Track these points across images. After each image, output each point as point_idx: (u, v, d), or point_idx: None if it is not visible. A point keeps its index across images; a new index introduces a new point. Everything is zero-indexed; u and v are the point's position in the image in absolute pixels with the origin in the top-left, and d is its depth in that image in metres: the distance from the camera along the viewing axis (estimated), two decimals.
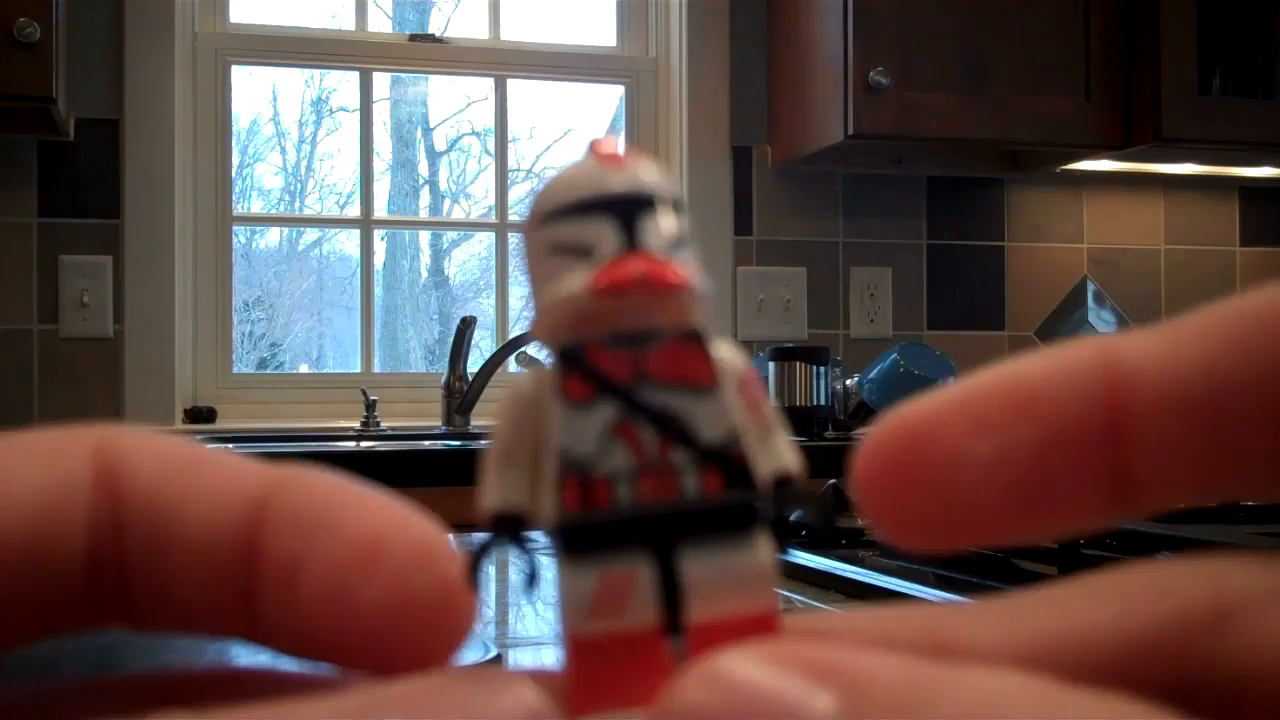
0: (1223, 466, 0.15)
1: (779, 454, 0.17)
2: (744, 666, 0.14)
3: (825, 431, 2.05)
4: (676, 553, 0.16)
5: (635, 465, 0.16)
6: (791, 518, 0.17)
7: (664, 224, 0.16)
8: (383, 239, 2.59)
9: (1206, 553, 0.16)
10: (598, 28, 2.53)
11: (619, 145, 0.17)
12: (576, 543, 0.16)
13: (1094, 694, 0.13)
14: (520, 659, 0.55)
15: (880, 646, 0.15)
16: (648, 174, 0.17)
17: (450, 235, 2.77)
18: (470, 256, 2.75)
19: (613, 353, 0.16)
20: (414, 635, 0.16)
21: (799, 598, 0.69)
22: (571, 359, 0.16)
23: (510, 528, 0.16)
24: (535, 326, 0.17)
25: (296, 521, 0.16)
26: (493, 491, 0.16)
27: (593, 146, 0.17)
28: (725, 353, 0.17)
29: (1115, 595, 0.16)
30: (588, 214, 0.16)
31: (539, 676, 0.16)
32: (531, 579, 0.16)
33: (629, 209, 0.16)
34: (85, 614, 0.16)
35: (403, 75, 2.54)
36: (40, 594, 0.16)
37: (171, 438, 0.17)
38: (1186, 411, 0.15)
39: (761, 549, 0.16)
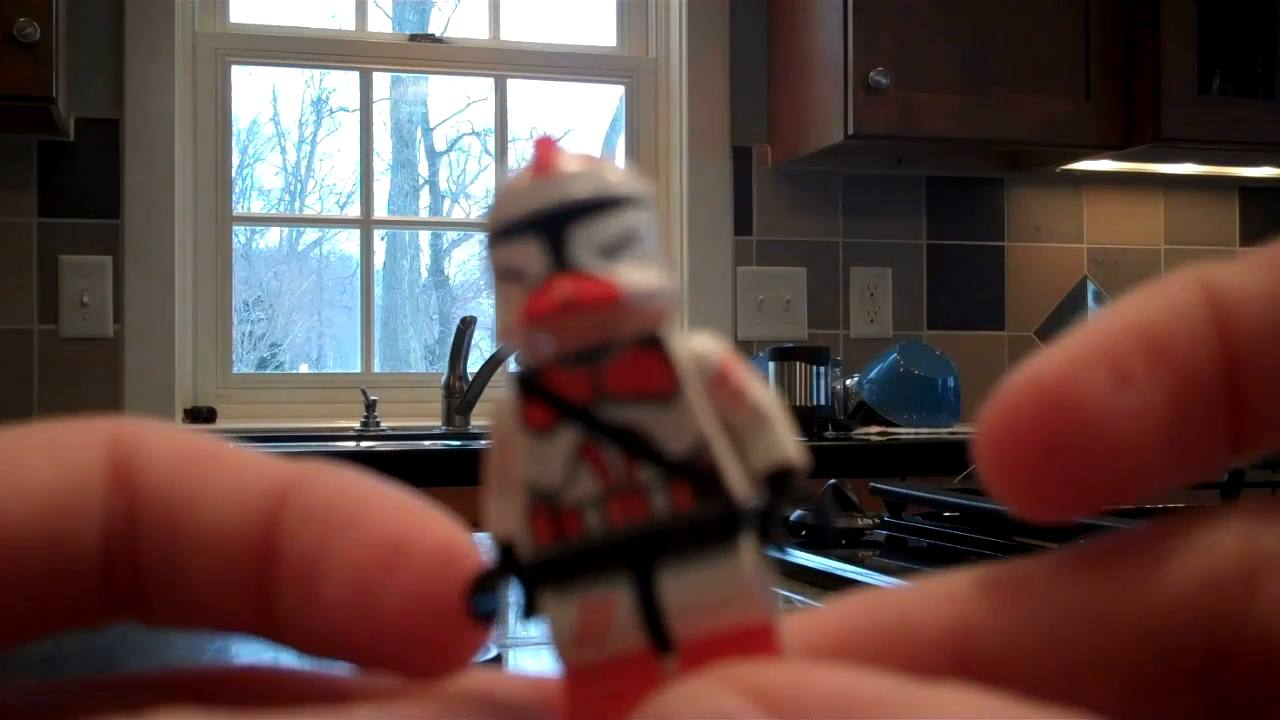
0: None
1: (774, 446, 0.16)
2: (697, 695, 0.13)
3: (825, 431, 2.05)
4: (655, 573, 0.15)
5: (602, 489, 0.15)
6: (792, 518, 0.16)
7: (598, 231, 0.15)
8: (383, 239, 2.58)
9: (1233, 507, 0.15)
10: (598, 28, 2.53)
11: (551, 150, 0.16)
12: (554, 575, 0.15)
13: (1043, 710, 0.12)
14: (520, 659, 0.55)
15: (896, 639, 0.15)
16: (580, 178, 0.15)
17: (450, 235, 2.77)
18: (470, 256, 2.75)
19: (570, 373, 0.15)
20: (434, 638, 0.16)
21: (799, 598, 0.69)
22: (529, 386, 0.16)
23: (511, 557, 0.16)
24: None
25: (316, 520, 0.16)
26: (492, 520, 0.16)
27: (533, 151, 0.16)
28: (698, 347, 0.16)
29: (1141, 555, 0.15)
30: (516, 236, 0.15)
31: (540, 685, 0.16)
32: (528, 609, 0.16)
33: (555, 223, 0.15)
34: (98, 609, 0.16)
35: (403, 75, 2.54)
36: (53, 588, 0.16)
37: (186, 430, 0.17)
38: None
39: (744, 558, 0.15)
